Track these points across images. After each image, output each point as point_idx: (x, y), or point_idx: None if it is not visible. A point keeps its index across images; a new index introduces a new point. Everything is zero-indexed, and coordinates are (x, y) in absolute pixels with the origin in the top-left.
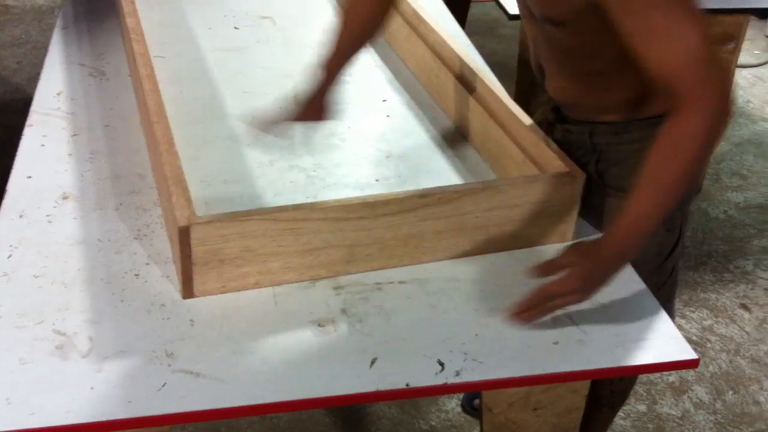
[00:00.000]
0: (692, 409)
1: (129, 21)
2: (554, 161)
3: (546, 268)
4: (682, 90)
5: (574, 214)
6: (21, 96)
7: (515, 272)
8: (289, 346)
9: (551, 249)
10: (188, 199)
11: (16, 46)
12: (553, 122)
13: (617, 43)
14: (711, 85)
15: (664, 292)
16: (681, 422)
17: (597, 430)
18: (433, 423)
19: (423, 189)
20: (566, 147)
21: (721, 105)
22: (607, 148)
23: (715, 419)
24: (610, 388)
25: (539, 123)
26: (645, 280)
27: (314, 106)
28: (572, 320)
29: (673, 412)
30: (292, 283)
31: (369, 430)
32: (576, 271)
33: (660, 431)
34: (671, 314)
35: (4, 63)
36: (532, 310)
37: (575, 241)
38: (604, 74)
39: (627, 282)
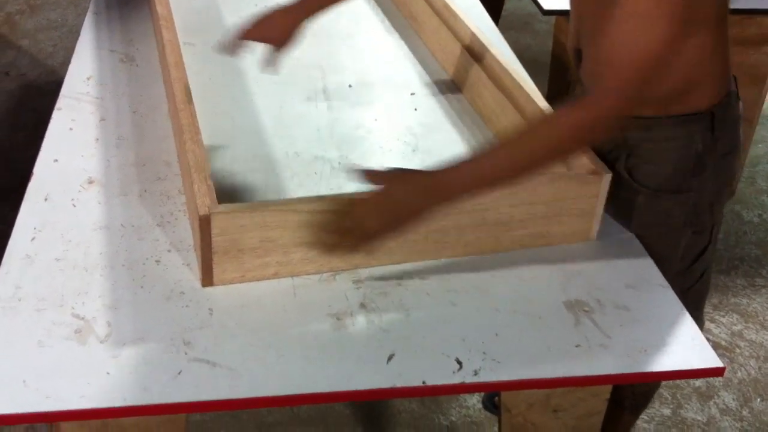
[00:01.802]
0: (718, 415)
1: (159, 7)
2: (581, 158)
3: (370, 176)
4: (606, 79)
5: (600, 212)
6: (55, 79)
7: (538, 271)
8: (307, 338)
9: (575, 247)
10: (210, 188)
11: (52, 30)
12: None
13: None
14: (626, 94)
15: (692, 297)
16: (706, 428)
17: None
18: (453, 418)
19: None
20: (600, 142)
21: (616, 115)
22: (637, 144)
23: (741, 426)
24: (632, 390)
25: None
26: (669, 283)
27: (275, 26)
28: (595, 323)
29: (699, 418)
30: (311, 274)
31: (388, 424)
32: (384, 189)
33: None
34: (699, 321)
35: (39, 46)
36: (333, 234)
37: (396, 168)
38: None
39: (653, 285)
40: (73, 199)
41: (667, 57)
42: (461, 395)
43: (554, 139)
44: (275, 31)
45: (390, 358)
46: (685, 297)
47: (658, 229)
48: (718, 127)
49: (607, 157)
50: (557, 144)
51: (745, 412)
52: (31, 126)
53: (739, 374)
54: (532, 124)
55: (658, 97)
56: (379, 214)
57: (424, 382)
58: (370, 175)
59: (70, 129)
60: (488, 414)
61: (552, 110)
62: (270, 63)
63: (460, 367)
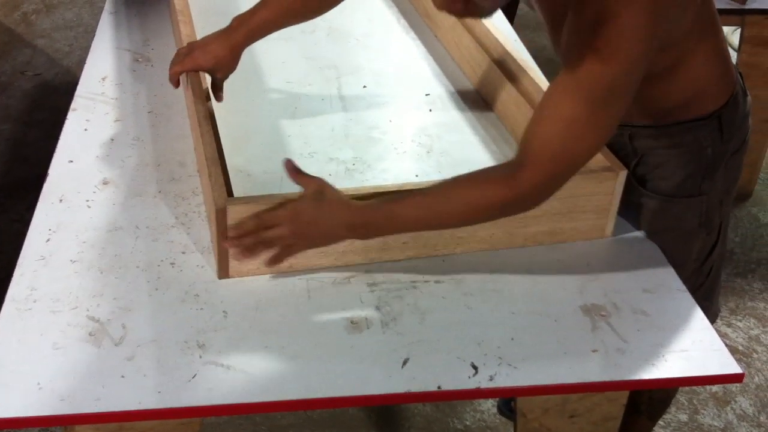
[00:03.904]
0: (735, 421)
1: (177, 2)
2: (596, 156)
3: (297, 178)
4: (530, 157)
5: (615, 209)
6: (71, 79)
7: (554, 271)
8: (321, 342)
9: (591, 246)
10: (227, 181)
11: (68, 29)
12: None
13: (668, 49)
14: (549, 181)
15: (702, 293)
16: None
17: None
18: (467, 422)
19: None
20: (610, 148)
21: (532, 203)
22: (646, 152)
23: None
24: (649, 395)
25: None
26: (683, 282)
27: (209, 55)
28: (612, 328)
29: (716, 424)
30: (325, 267)
31: (403, 427)
32: (297, 204)
33: None
34: (710, 314)
35: (56, 46)
36: (245, 239)
37: (326, 186)
38: (653, 77)
39: (671, 290)
40: (88, 200)
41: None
42: (476, 399)
43: (470, 207)
44: (210, 61)
45: (405, 362)
46: (696, 294)
47: (671, 234)
48: (727, 129)
49: (622, 161)
50: (470, 213)
51: (762, 418)
52: (48, 125)
53: (756, 379)
54: (457, 182)
55: (663, 108)
56: (300, 237)
57: (439, 387)
58: (297, 176)
59: (85, 130)
60: (503, 419)
61: (480, 171)
62: (215, 91)
63: (476, 372)
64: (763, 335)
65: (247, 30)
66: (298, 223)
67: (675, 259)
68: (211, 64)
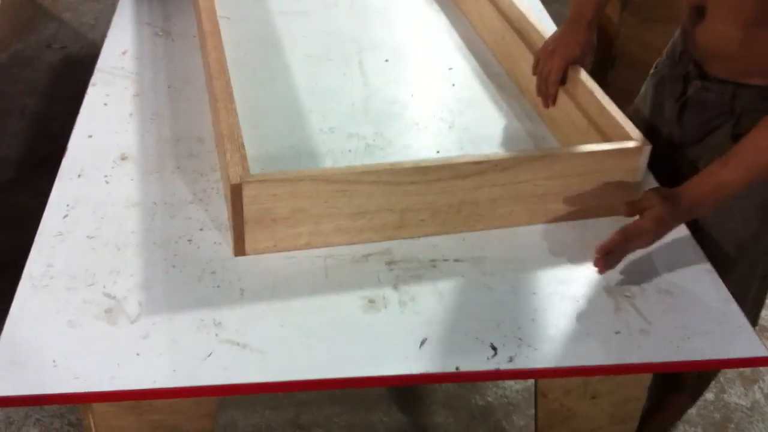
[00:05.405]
0: (763, 400)
1: None
2: (619, 129)
3: (631, 208)
4: None
5: (640, 185)
6: (96, 52)
7: (576, 250)
8: (338, 321)
9: (614, 221)
10: (243, 157)
11: (94, 2)
12: (689, 77)
13: None
14: None
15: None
16: (750, 413)
17: (671, 415)
18: (489, 399)
19: (478, 155)
20: (698, 106)
21: None
22: (745, 112)
23: None
24: (698, 374)
25: (671, 74)
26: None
27: (570, 43)
28: (636, 308)
29: (742, 402)
30: (343, 245)
31: (423, 402)
32: (654, 213)
33: (727, 421)
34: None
35: (81, 19)
36: (612, 254)
37: (654, 187)
38: None
39: (698, 271)
40: (106, 176)
41: None
42: None
43: None
44: (576, 50)
45: (422, 342)
46: (759, 296)
47: (758, 200)
48: None
49: (711, 122)
50: None
51: None
52: (72, 99)
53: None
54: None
55: None
56: (649, 241)
57: (457, 368)
58: (633, 207)
59: (105, 104)
60: (525, 395)
61: None
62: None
63: (495, 353)
64: None
65: (590, 3)
66: (658, 227)
67: (753, 229)
68: (578, 52)
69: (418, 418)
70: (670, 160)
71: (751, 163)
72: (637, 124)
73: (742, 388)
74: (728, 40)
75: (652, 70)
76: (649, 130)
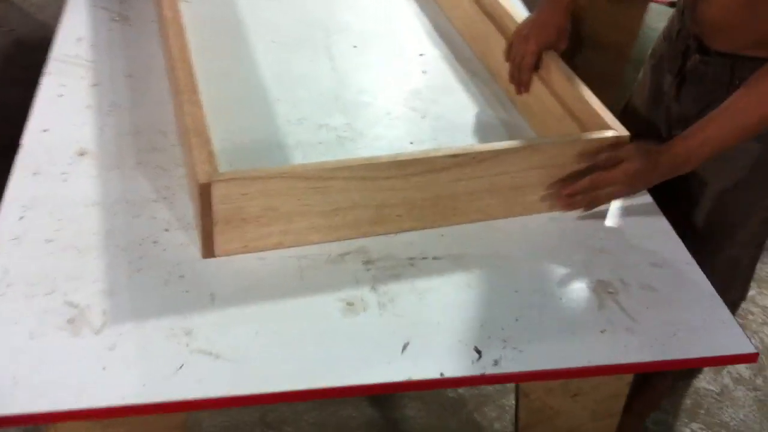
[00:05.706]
0: (731, 384)
1: None
2: (596, 118)
3: (608, 159)
4: None
5: None
6: (45, 34)
7: (557, 244)
8: (315, 326)
9: (593, 215)
10: (210, 154)
11: None
12: (688, 52)
13: None
14: None
15: (752, 264)
16: (719, 398)
17: (656, 396)
18: (460, 391)
19: (455, 147)
20: (696, 80)
21: None
22: None
23: (755, 396)
24: None
25: (669, 53)
26: (741, 247)
27: (547, 26)
28: (620, 305)
29: (712, 388)
30: (316, 243)
31: (394, 396)
32: (631, 165)
33: (697, 407)
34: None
35: (29, 0)
36: (577, 195)
37: (639, 141)
38: None
39: (679, 263)
40: (63, 173)
41: None
42: None
43: None
44: (553, 34)
45: (405, 347)
46: (751, 266)
47: (760, 175)
48: None
49: (710, 95)
50: None
51: (759, 381)
52: (25, 83)
53: (752, 342)
54: (752, 86)
55: None
56: (627, 190)
57: (441, 374)
58: (609, 158)
59: (60, 95)
60: (497, 387)
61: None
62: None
63: (480, 356)
64: (758, 296)
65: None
66: (631, 180)
67: (753, 205)
68: (554, 36)
69: (389, 412)
70: (668, 137)
71: (734, 122)
72: (635, 109)
73: (711, 374)
74: (732, 12)
75: (648, 55)
76: (647, 111)
